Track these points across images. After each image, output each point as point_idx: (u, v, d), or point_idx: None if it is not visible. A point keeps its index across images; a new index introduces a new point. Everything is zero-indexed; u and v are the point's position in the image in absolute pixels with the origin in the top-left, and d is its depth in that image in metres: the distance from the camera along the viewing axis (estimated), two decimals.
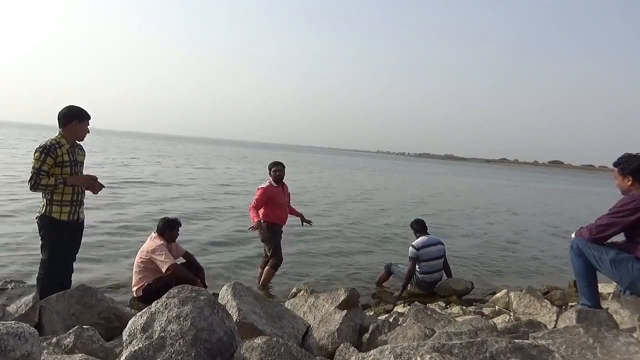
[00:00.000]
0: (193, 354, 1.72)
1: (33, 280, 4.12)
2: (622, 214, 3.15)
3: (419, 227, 6.21)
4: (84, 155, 3.82)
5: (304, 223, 6.12)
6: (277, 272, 5.81)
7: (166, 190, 14.78)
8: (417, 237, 6.10)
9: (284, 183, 5.90)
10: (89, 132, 3.76)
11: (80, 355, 1.95)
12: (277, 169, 5.80)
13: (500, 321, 3.67)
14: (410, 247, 6.01)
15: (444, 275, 6.10)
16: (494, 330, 2.48)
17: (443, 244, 6.16)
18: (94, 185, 3.68)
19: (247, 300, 2.50)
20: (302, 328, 2.58)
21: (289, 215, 5.98)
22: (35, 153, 3.46)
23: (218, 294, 2.55)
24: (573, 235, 3.48)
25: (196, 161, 34.72)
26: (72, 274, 3.79)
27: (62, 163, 3.50)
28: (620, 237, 3.33)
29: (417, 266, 5.94)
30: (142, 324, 1.82)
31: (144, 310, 1.90)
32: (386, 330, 2.56)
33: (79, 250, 3.83)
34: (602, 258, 3.17)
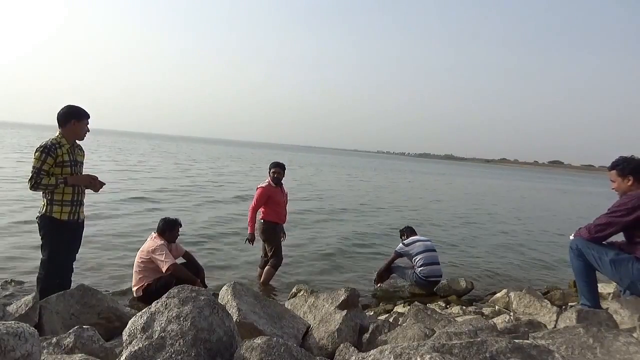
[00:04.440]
0: (193, 354, 1.72)
1: (33, 280, 4.12)
2: (620, 213, 3.15)
3: (408, 231, 6.49)
4: (84, 155, 3.84)
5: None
6: (277, 272, 5.82)
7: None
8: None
9: (282, 184, 5.93)
10: (88, 131, 3.77)
11: (80, 355, 1.95)
12: (276, 171, 5.84)
13: (500, 321, 3.67)
14: (400, 244, 6.25)
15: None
16: (494, 330, 2.48)
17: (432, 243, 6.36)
18: (95, 184, 3.68)
19: (247, 300, 2.50)
20: (302, 328, 2.58)
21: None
22: (35, 153, 3.46)
23: (218, 294, 2.55)
24: (572, 236, 3.48)
25: (243, 165, 34.52)
26: (72, 274, 3.79)
27: (62, 163, 3.50)
28: (619, 237, 3.33)
29: (414, 261, 5.99)
30: (142, 324, 1.82)
31: (144, 310, 1.89)
32: (386, 330, 2.56)
33: (79, 250, 3.83)
34: (602, 258, 3.17)
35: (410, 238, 6.24)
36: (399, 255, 6.17)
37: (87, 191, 3.77)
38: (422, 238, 6.29)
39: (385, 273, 6.30)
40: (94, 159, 24.50)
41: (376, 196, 19.40)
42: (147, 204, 11.32)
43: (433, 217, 13.97)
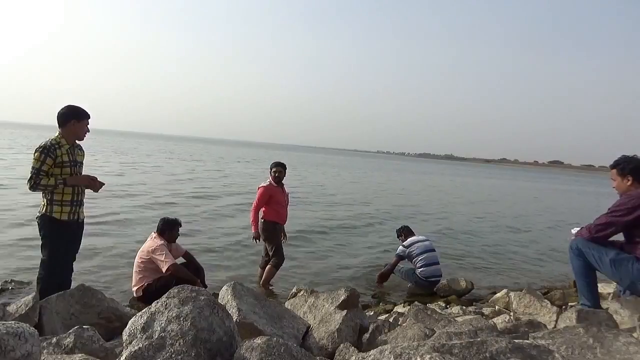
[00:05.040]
0: (193, 354, 1.72)
1: (33, 280, 4.12)
2: (620, 213, 3.15)
3: (405, 231, 6.48)
4: (84, 156, 3.83)
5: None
6: (277, 272, 5.82)
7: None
8: (406, 239, 6.32)
9: (282, 183, 5.94)
10: (88, 132, 3.76)
11: (80, 355, 1.95)
12: (277, 170, 5.86)
13: (500, 321, 3.67)
14: (400, 246, 6.23)
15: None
16: (494, 330, 2.48)
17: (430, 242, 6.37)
18: (94, 184, 3.68)
19: (247, 300, 2.50)
20: (302, 328, 2.58)
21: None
22: (35, 153, 3.46)
23: (218, 294, 2.55)
24: (573, 232, 3.48)
25: (249, 166, 33.93)
26: (72, 274, 3.79)
27: (61, 163, 3.50)
28: (619, 237, 3.33)
29: (414, 262, 6.00)
30: (142, 324, 1.82)
31: (144, 310, 1.90)
32: (386, 330, 2.56)
33: (79, 250, 3.83)
34: (602, 258, 3.17)
35: (410, 239, 6.23)
36: (401, 258, 6.18)
37: (87, 191, 3.77)
38: (421, 238, 6.28)
39: (387, 275, 6.31)
40: (100, 159, 24.52)
41: (394, 199, 18.91)
42: (152, 206, 11.29)
43: (445, 217, 14.01)
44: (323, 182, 24.39)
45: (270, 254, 5.77)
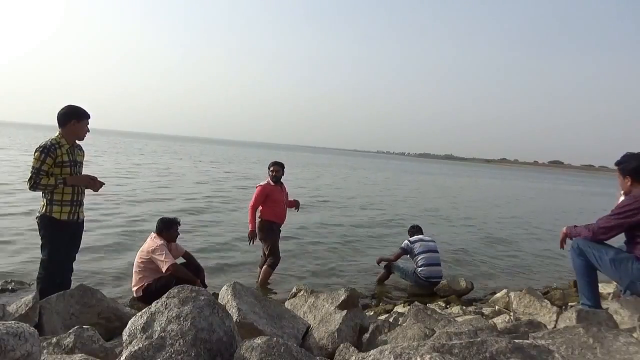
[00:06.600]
0: (193, 354, 1.72)
1: (33, 280, 4.13)
2: (624, 214, 3.14)
3: (415, 230, 6.59)
4: (84, 156, 3.83)
5: (297, 209, 6.28)
6: (276, 272, 5.82)
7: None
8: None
9: (282, 183, 5.95)
10: (88, 132, 3.76)
11: (80, 355, 1.95)
12: (275, 169, 5.87)
13: (500, 321, 3.67)
14: (405, 241, 6.36)
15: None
16: (494, 330, 2.48)
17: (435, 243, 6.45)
18: (94, 184, 3.68)
19: (247, 300, 2.50)
20: (302, 328, 2.58)
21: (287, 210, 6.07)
22: (35, 153, 3.46)
23: (218, 294, 2.55)
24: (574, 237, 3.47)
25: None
26: (72, 274, 3.79)
27: (61, 163, 3.50)
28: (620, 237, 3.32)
29: (415, 260, 6.04)
30: (142, 324, 1.82)
31: (144, 310, 1.90)
32: (386, 330, 2.56)
33: (79, 250, 3.83)
34: (602, 257, 3.17)
35: (415, 237, 6.34)
36: (404, 251, 6.27)
37: (87, 191, 3.77)
38: (426, 238, 6.34)
39: (388, 264, 6.34)
40: (119, 161, 24.49)
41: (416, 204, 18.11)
42: (155, 206, 11.28)
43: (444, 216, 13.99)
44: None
45: (266, 253, 5.78)
